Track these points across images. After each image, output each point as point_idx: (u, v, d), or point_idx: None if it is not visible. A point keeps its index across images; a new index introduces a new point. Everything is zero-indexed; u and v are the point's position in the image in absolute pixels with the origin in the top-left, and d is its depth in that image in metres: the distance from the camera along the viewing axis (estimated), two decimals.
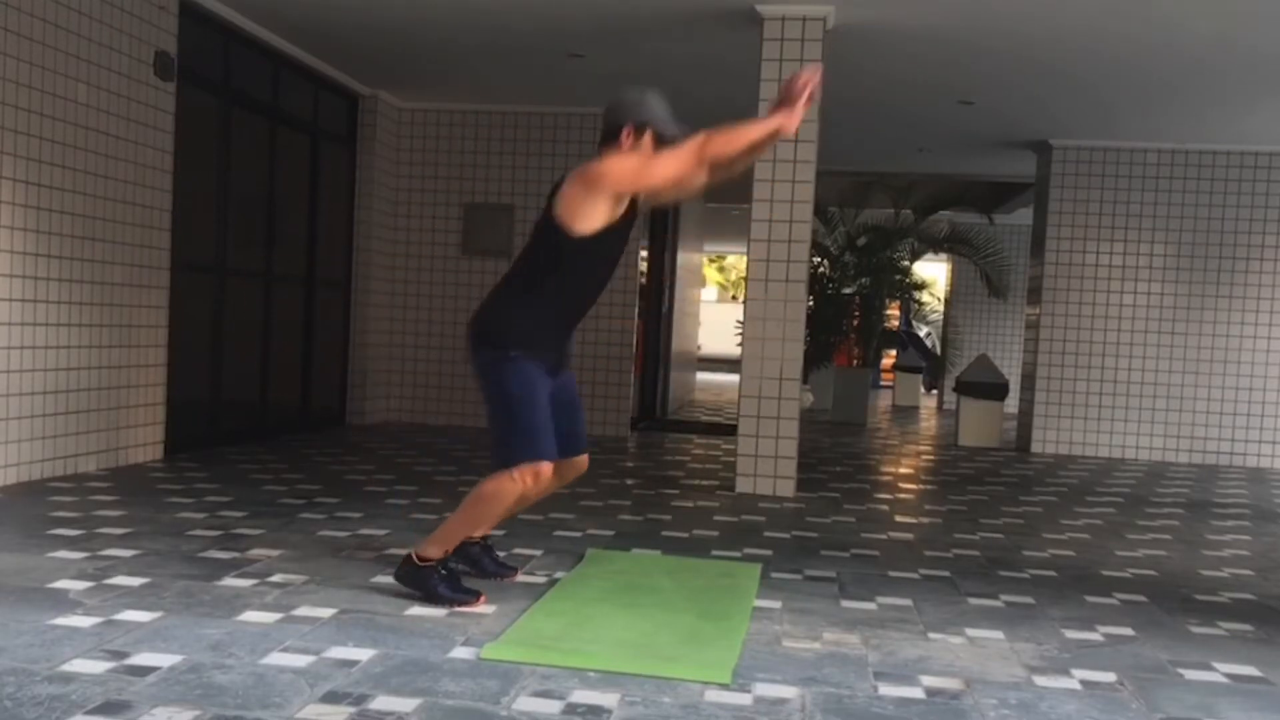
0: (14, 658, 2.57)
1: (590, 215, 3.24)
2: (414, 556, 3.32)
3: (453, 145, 8.51)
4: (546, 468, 3.27)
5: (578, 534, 4.45)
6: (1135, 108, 7.50)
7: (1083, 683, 2.82)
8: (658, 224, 9.94)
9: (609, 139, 3.38)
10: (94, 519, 4.23)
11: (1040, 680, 2.82)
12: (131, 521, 4.21)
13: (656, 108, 3.38)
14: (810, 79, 3.22)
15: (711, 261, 29.79)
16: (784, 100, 3.24)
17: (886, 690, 2.68)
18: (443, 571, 3.30)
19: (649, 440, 8.31)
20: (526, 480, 3.25)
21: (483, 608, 3.22)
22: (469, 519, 3.34)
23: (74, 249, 5.16)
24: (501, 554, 3.97)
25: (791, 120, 3.21)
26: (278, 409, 7.43)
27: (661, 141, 3.35)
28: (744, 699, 2.56)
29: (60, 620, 2.88)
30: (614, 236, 3.35)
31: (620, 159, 3.31)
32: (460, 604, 3.25)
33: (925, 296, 14.44)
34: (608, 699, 2.50)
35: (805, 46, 5.57)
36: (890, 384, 15.76)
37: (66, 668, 2.52)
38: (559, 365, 3.43)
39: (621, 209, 3.31)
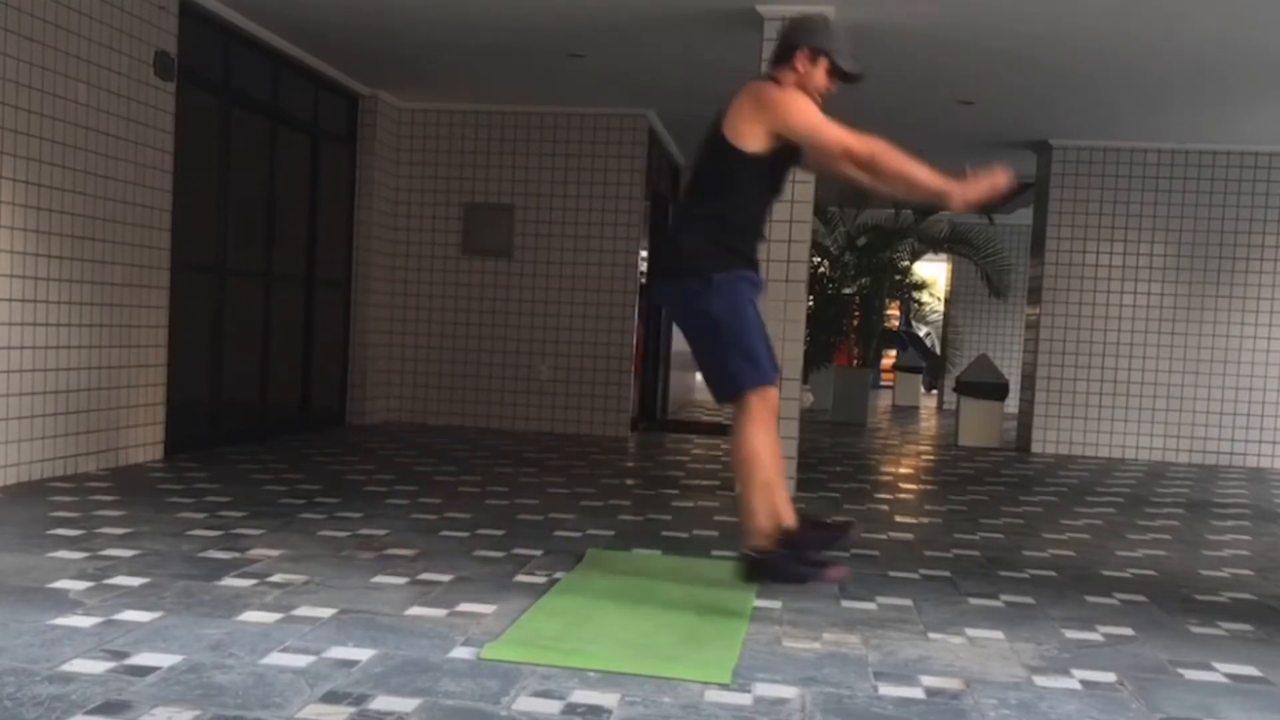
0: (14, 658, 2.57)
1: (754, 136, 3.16)
2: (749, 553, 3.25)
3: (453, 145, 8.51)
4: (773, 392, 3.21)
5: (578, 534, 4.45)
6: (1135, 108, 7.50)
7: (1083, 683, 2.82)
8: (657, 223, 9.93)
9: (782, 59, 3.26)
10: (94, 519, 4.23)
11: (1040, 680, 2.82)
12: (131, 521, 4.21)
13: (839, 37, 3.26)
14: (1002, 185, 3.09)
15: None
16: (970, 177, 3.12)
17: (886, 690, 2.67)
18: (785, 551, 3.20)
19: (649, 440, 8.31)
20: (759, 410, 3.17)
21: (487, 607, 3.22)
22: (751, 486, 3.26)
23: (74, 249, 5.16)
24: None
25: (962, 199, 3.09)
26: (278, 409, 7.43)
27: (835, 73, 3.24)
28: (744, 699, 2.56)
29: (60, 620, 2.88)
30: (778, 164, 3.26)
31: (806, 102, 3.19)
32: (816, 578, 3.21)
33: (925, 296, 14.45)
34: (608, 699, 2.50)
35: None
36: (890, 384, 15.75)
37: (66, 668, 2.52)
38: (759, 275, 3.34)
39: (779, 144, 3.20)
